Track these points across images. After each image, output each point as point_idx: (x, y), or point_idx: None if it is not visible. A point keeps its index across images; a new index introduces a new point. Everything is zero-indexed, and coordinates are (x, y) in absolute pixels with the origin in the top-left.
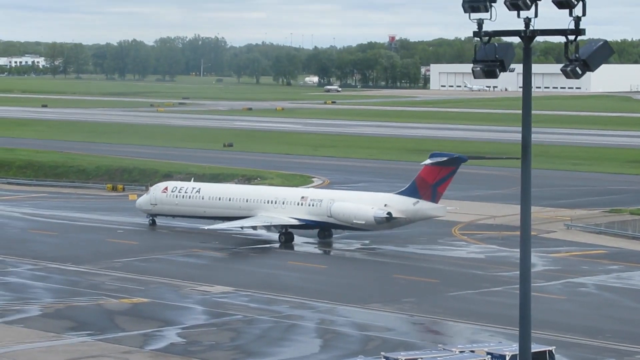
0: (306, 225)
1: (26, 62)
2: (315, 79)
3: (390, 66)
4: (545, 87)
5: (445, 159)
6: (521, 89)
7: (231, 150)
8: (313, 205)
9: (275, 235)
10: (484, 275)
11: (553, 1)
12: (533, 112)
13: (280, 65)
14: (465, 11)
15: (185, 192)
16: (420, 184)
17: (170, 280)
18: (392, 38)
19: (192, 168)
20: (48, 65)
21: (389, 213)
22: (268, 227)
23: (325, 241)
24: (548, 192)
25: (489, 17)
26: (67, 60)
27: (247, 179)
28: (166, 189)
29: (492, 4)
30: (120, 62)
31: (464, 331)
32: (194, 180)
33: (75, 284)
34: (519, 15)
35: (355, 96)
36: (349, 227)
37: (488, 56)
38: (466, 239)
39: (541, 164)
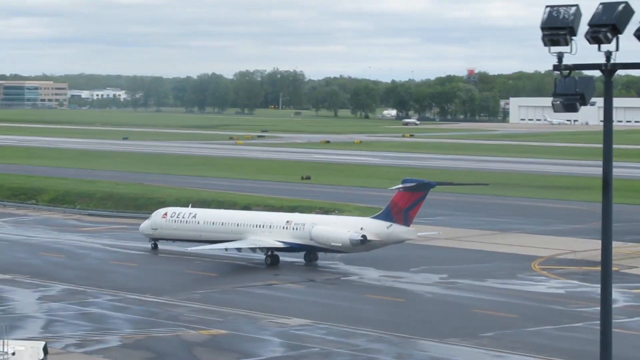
0: (290, 248)
1: (108, 95)
2: (394, 112)
3: (469, 99)
4: (627, 121)
5: (414, 184)
6: (602, 123)
7: (309, 183)
8: (297, 229)
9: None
10: (564, 311)
11: (635, 35)
12: (614, 145)
13: (359, 98)
14: (545, 44)
15: (183, 217)
16: (394, 208)
17: (248, 312)
18: (471, 71)
19: (271, 200)
20: (129, 98)
21: (363, 236)
22: (253, 249)
23: (401, 275)
24: (630, 227)
25: (569, 51)
26: (148, 93)
27: (325, 212)
28: (166, 214)
29: (573, 38)
30: (200, 95)
31: None
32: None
33: (154, 315)
34: (599, 49)
35: (433, 129)
36: (328, 249)
37: (568, 90)
38: (546, 273)
39: (623, 198)
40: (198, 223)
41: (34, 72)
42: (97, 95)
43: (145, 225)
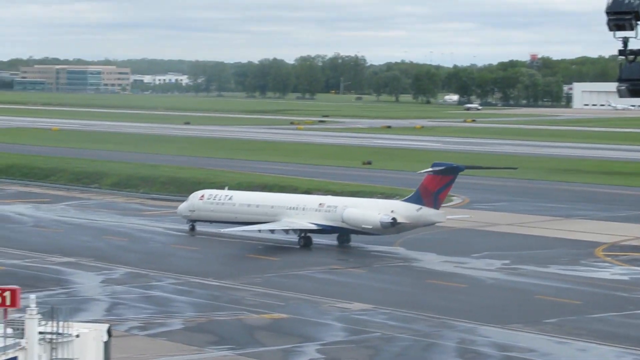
0: (323, 230)
1: (170, 80)
2: (455, 97)
3: (532, 84)
4: None
5: (443, 167)
6: None
7: (370, 168)
8: (329, 211)
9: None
10: (629, 298)
11: None
12: None
13: (420, 84)
14: (610, 29)
15: (219, 199)
16: (424, 192)
17: (310, 297)
18: (534, 56)
19: (331, 186)
20: (191, 83)
21: (393, 218)
22: (286, 231)
23: (463, 261)
24: None
25: (634, 35)
26: (210, 78)
27: (387, 197)
28: (203, 196)
29: (638, 22)
30: (261, 80)
31: (607, 354)
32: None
33: (217, 299)
34: None
35: (495, 114)
36: (359, 231)
37: (634, 75)
38: (610, 260)
39: None
40: (234, 205)
41: (97, 57)
42: (159, 80)
43: (183, 207)
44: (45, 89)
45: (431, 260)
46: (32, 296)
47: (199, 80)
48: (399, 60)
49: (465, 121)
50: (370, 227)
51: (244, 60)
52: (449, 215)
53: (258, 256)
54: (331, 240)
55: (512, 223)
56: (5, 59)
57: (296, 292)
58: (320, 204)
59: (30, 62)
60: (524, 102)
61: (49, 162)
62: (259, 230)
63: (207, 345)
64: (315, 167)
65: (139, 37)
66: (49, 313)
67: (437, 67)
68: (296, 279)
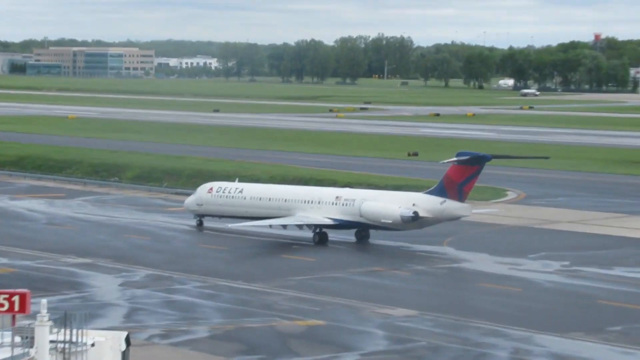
0: (340, 225)
1: (197, 63)
2: (510, 82)
3: (595, 68)
4: None
5: (468, 157)
6: None
7: (416, 160)
8: (346, 204)
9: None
10: None
11: None
12: None
13: (472, 67)
14: None
15: (229, 193)
16: (448, 183)
17: (349, 302)
18: (598, 37)
19: (373, 179)
20: (220, 67)
21: (415, 212)
22: (300, 226)
23: (518, 262)
24: None
25: None
26: (241, 61)
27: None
28: (211, 189)
29: None
30: (298, 64)
31: None
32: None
33: (246, 304)
34: None
35: (555, 101)
36: (379, 226)
37: None
38: None
39: None
40: (244, 198)
41: (118, 38)
42: (186, 63)
43: (190, 200)
44: (61, 73)
45: (483, 262)
46: (44, 301)
47: (230, 64)
48: (448, 42)
49: (521, 108)
50: (390, 221)
51: (279, 42)
52: (476, 209)
53: (292, 256)
54: (349, 236)
55: (572, 220)
56: (17, 41)
57: (333, 297)
58: (337, 197)
59: (45, 44)
60: (587, 87)
61: (64, 153)
62: (270, 226)
63: (235, 355)
64: (356, 158)
65: (164, 16)
66: (62, 319)
67: (491, 49)
68: (333, 281)
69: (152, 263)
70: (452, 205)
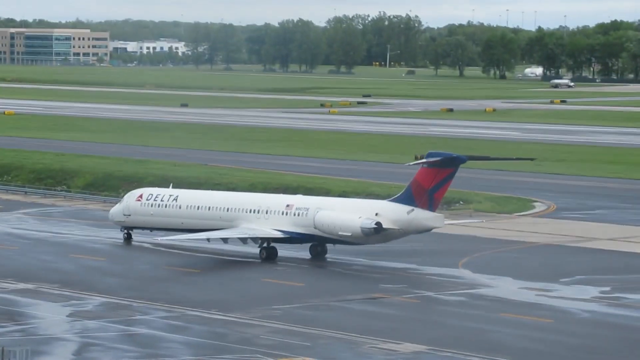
0: (291, 239)
1: (161, 48)
2: (539, 70)
3: None
4: None
5: (439, 158)
6: None
7: None
8: (299, 214)
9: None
10: None
11: None
12: None
13: (492, 52)
14: None
15: (162, 201)
16: (416, 189)
17: (345, 335)
18: None
19: (374, 187)
20: (189, 53)
21: (377, 223)
22: (244, 240)
23: (548, 287)
24: None
25: None
26: (214, 45)
27: (446, 203)
28: (141, 196)
29: None
30: (283, 49)
31: None
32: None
33: (222, 338)
34: None
35: (592, 93)
36: (336, 240)
37: None
38: None
39: None
40: (179, 207)
41: (65, 18)
42: (148, 48)
43: (116, 210)
44: None
45: (506, 287)
46: None
47: (200, 49)
48: (464, 22)
49: (551, 102)
50: (349, 234)
51: (260, 22)
52: (456, 220)
53: (277, 280)
54: (301, 251)
55: (613, 237)
56: None
57: (327, 329)
58: (287, 206)
59: None
60: (631, 76)
61: (0, 157)
62: (208, 240)
63: None
64: (353, 163)
65: None
66: None
67: (516, 31)
68: (328, 311)
69: (108, 289)
70: (421, 215)
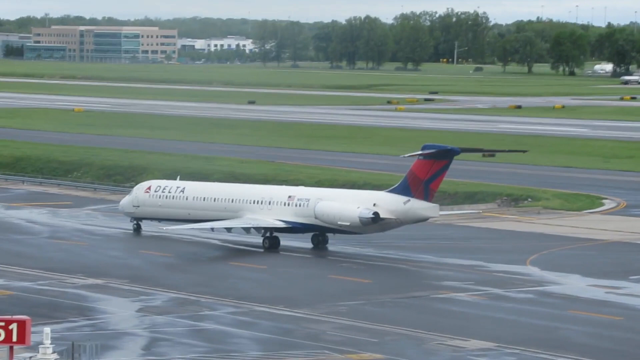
0: (292, 229)
1: (229, 45)
2: (609, 66)
3: None
4: None
5: (434, 151)
6: None
7: (493, 162)
8: (300, 205)
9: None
10: None
11: None
12: None
13: (561, 49)
14: None
15: (169, 192)
16: (412, 180)
17: (412, 331)
18: None
19: (442, 184)
20: (257, 50)
21: (375, 213)
22: (247, 230)
23: (618, 285)
24: None
25: None
26: (281, 43)
27: (514, 200)
28: (149, 188)
29: None
30: (350, 46)
31: None
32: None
33: (289, 333)
34: None
35: None
36: (336, 229)
37: None
38: None
39: None
40: (186, 199)
41: (133, 16)
42: (215, 45)
43: (125, 201)
44: (65, 57)
45: (574, 284)
46: (47, 329)
47: (268, 46)
48: (532, 18)
49: (622, 99)
50: (348, 223)
51: (327, 20)
52: (451, 210)
53: (343, 277)
54: (304, 241)
55: None
56: (13, 18)
57: (394, 325)
58: (289, 197)
59: (46, 22)
60: None
61: (69, 154)
62: (212, 229)
63: None
64: None
65: None
66: (69, 352)
67: (585, 27)
68: (394, 307)
69: (176, 285)
70: (417, 205)
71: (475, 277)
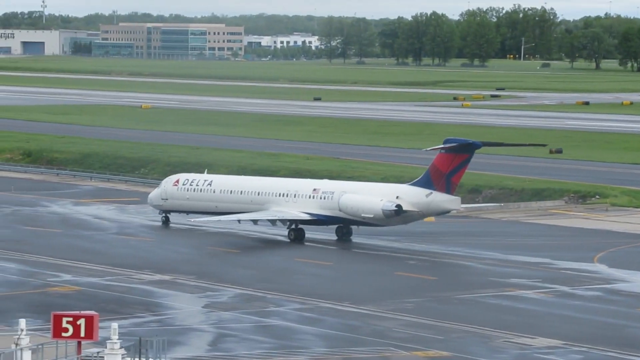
0: (317, 221)
1: (295, 42)
2: None
3: None
4: None
5: (456, 144)
6: None
7: (560, 158)
8: (325, 198)
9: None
10: None
11: None
12: None
13: (630, 45)
14: None
15: (197, 185)
16: (434, 173)
17: (478, 329)
18: None
19: (508, 181)
20: (322, 47)
21: (398, 205)
22: (273, 222)
23: None
24: None
25: None
26: (347, 39)
27: (581, 197)
28: (177, 182)
29: None
30: (416, 42)
31: None
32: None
33: (355, 330)
34: None
35: None
36: (359, 221)
37: None
38: None
39: None
40: (214, 192)
41: (200, 12)
42: (282, 42)
43: (154, 194)
44: (133, 54)
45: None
46: (114, 325)
47: (334, 43)
48: (600, 14)
49: None
50: (371, 215)
51: (393, 16)
52: (469, 204)
53: (409, 274)
54: (328, 233)
55: None
56: (81, 15)
57: (460, 323)
58: (314, 190)
59: (113, 19)
60: None
61: (137, 150)
62: (239, 221)
63: None
64: (487, 156)
65: None
66: (136, 347)
67: None
68: (460, 304)
69: (242, 280)
70: (439, 198)
71: (542, 274)
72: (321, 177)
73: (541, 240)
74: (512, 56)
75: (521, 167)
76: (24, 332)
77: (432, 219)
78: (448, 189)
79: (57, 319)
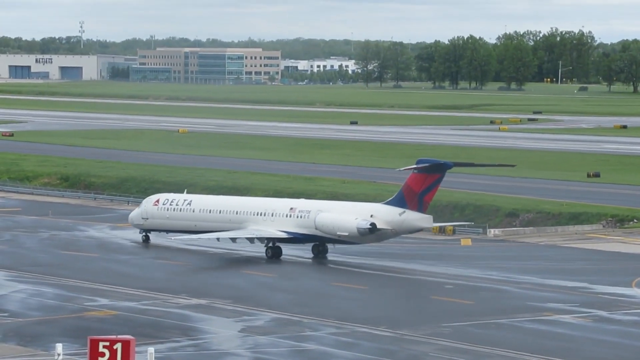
0: (294, 239)
1: (331, 66)
2: None
3: None
4: None
5: (428, 165)
6: None
7: (597, 182)
8: (301, 216)
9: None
10: None
11: None
12: None
13: None
14: None
15: (177, 205)
16: (407, 193)
17: (516, 354)
18: None
19: (545, 205)
20: (359, 71)
21: (372, 224)
22: (251, 240)
23: None
24: None
25: None
26: (384, 63)
27: (619, 221)
28: (157, 201)
29: None
30: (453, 66)
31: None
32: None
33: (391, 354)
34: None
35: None
36: (335, 240)
37: None
38: None
39: None
40: (193, 211)
41: (237, 37)
42: (318, 66)
43: (135, 214)
44: (170, 78)
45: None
46: (151, 349)
47: (370, 67)
48: (638, 37)
49: None
50: (346, 233)
51: (429, 40)
52: (448, 222)
53: (446, 298)
54: (303, 251)
55: None
56: (118, 40)
57: (497, 347)
58: (291, 209)
59: (151, 44)
60: None
61: (174, 174)
62: (218, 239)
63: None
64: (523, 180)
65: (292, 9)
66: None
67: None
68: (497, 329)
69: (278, 305)
70: (412, 217)
71: (579, 299)
72: (358, 197)
73: (579, 264)
74: (549, 80)
75: (558, 191)
76: (61, 357)
77: (469, 242)
78: (420, 207)
79: (94, 344)
